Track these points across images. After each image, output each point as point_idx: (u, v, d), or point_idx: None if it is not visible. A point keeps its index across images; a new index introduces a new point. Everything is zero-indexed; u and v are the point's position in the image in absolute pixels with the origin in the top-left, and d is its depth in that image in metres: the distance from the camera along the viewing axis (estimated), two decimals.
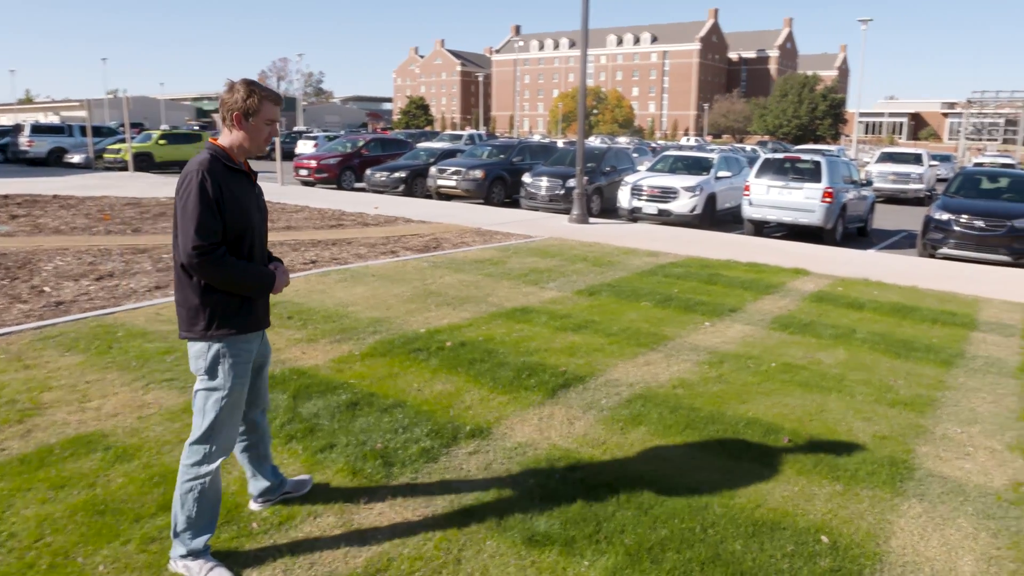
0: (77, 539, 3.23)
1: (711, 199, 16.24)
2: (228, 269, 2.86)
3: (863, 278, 10.15)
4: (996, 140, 57.01)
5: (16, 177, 22.54)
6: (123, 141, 28.13)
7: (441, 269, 9.61)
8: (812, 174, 14.72)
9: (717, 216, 16.64)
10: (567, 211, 16.24)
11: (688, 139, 69.39)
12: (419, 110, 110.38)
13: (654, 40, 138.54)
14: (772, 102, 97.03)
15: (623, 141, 55.07)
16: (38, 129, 30.41)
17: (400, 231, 13.04)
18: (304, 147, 34.97)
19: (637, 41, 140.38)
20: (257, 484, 3.50)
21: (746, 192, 15.32)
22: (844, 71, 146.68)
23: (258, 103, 2.93)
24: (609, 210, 17.80)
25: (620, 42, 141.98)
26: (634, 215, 16.46)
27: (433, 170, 20.15)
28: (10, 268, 8.85)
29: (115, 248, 10.46)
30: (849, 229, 15.43)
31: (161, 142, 28.18)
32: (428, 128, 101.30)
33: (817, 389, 5.51)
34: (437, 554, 3.24)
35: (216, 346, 2.94)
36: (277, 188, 20.46)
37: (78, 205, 15.49)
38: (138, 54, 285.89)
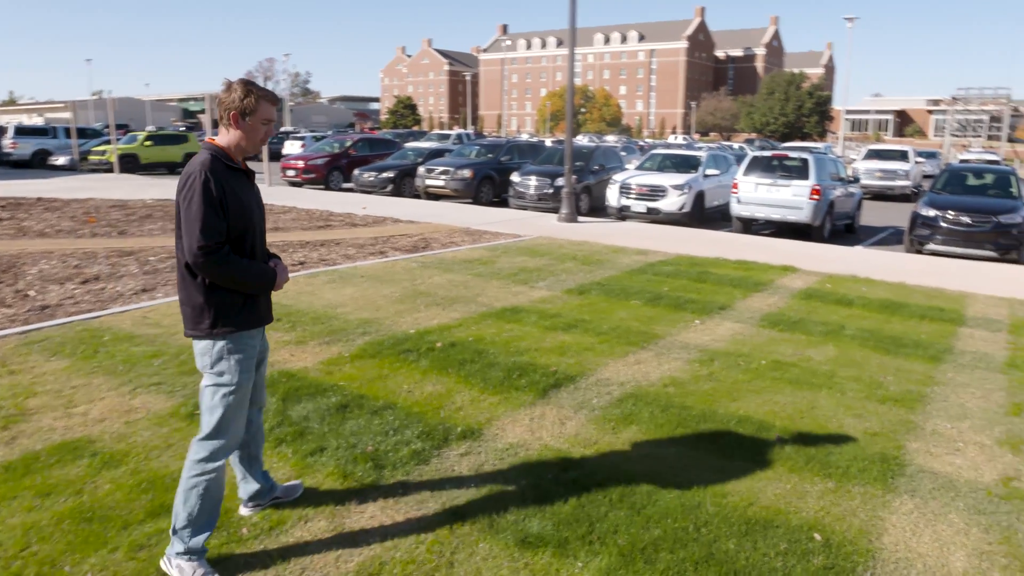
0: (64, 547, 3.18)
1: (699, 197, 16.27)
2: (232, 268, 2.90)
3: (851, 275, 10.19)
4: (981, 136, 57.48)
5: None
6: (108, 142, 27.92)
7: (430, 269, 9.58)
8: (800, 171, 14.78)
9: (706, 214, 16.68)
10: (556, 210, 16.24)
11: (676, 137, 69.58)
12: (407, 110, 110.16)
13: (641, 39, 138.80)
14: (759, 100, 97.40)
15: (611, 139, 55.13)
16: (22, 131, 30.11)
17: (389, 231, 12.99)
18: (291, 147, 34.86)
19: (624, 40, 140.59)
20: (247, 487, 3.46)
21: (734, 190, 15.36)
22: (830, 69, 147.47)
23: (255, 103, 2.97)
24: (598, 209, 17.81)
25: (607, 41, 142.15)
26: (623, 213, 16.48)
27: (421, 170, 20.09)
28: None
29: (101, 251, 10.36)
30: (837, 226, 15.50)
31: (147, 143, 27.99)
32: (416, 128, 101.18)
33: (807, 386, 5.52)
34: (430, 557, 3.21)
35: (221, 343, 2.99)
36: (264, 189, 20.34)
37: (63, 208, 15.35)
38: (123, 55, 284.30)
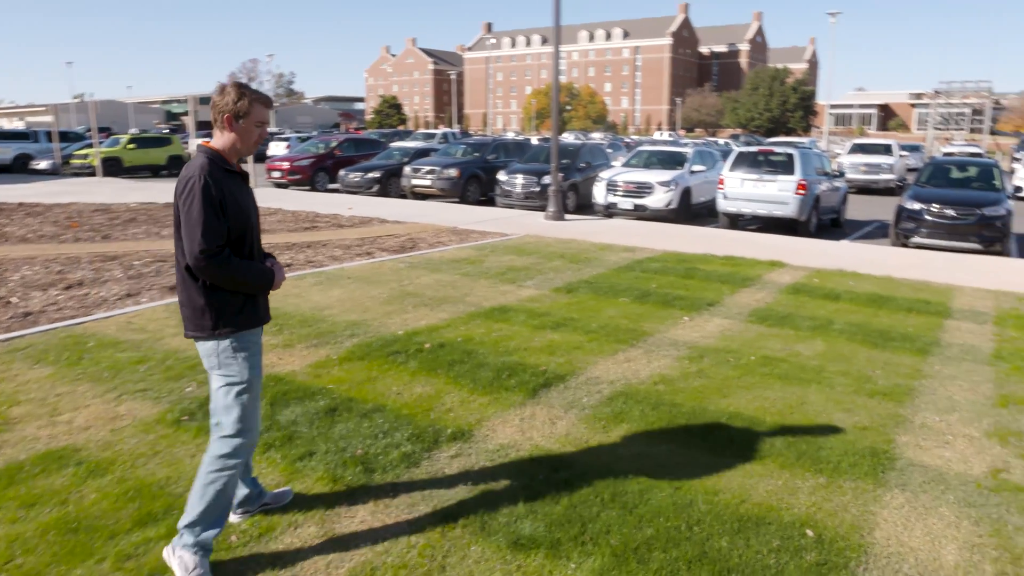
0: (49, 559, 3.14)
1: (686, 193, 16.29)
2: (234, 269, 2.94)
3: (838, 269, 10.23)
4: (963, 129, 57.92)
5: None
6: (91, 146, 27.65)
7: (418, 270, 9.54)
8: (785, 167, 14.83)
9: (692, 210, 16.70)
10: (543, 208, 16.22)
11: (661, 133, 69.77)
12: (392, 109, 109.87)
13: (626, 35, 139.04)
14: (743, 95, 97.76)
15: (597, 137, 55.20)
16: (2, 135, 29.79)
17: (375, 232, 12.93)
18: (276, 149, 34.60)
19: (609, 37, 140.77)
20: (237, 491, 3.42)
21: (721, 186, 15.40)
22: (814, 64, 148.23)
23: (248, 105, 3.01)
24: (585, 206, 17.81)
25: (592, 38, 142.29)
26: (610, 211, 16.48)
27: (407, 169, 20.02)
28: None
29: (84, 256, 10.26)
30: (823, 220, 15.57)
31: (130, 146, 27.73)
32: (401, 127, 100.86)
33: (797, 381, 5.53)
34: (421, 561, 3.19)
35: (226, 342, 3.03)
36: None
37: (45, 212, 15.19)
38: (104, 57, 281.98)
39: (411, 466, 4.04)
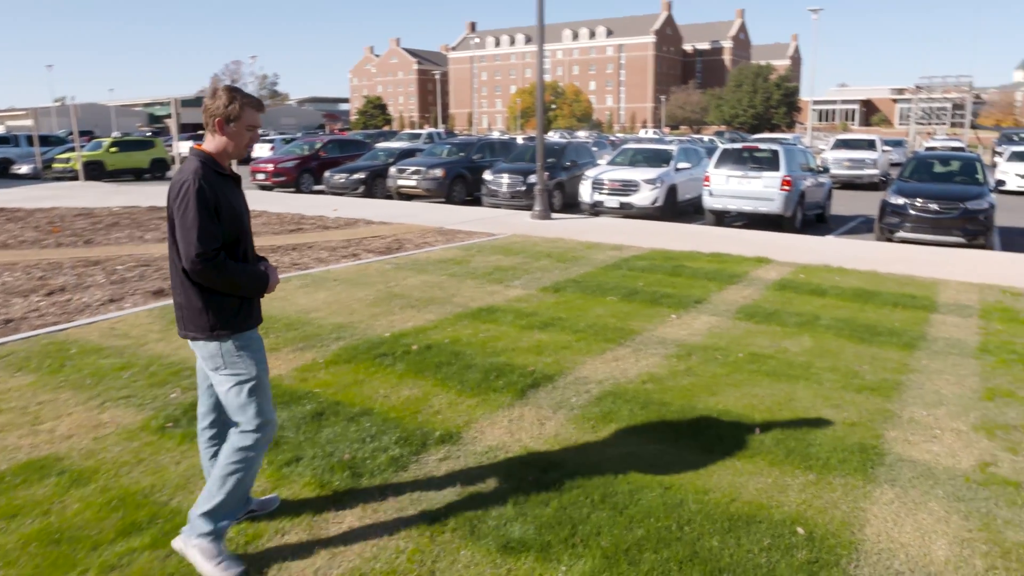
0: (31, 571, 3.08)
1: (672, 191, 16.32)
2: (230, 272, 2.96)
3: (824, 264, 10.27)
4: (945, 124, 58.31)
5: None
6: (72, 150, 27.38)
7: (404, 271, 9.49)
8: (770, 163, 14.88)
9: (678, 207, 16.73)
10: (529, 207, 16.20)
11: (646, 131, 69.96)
12: (376, 110, 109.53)
13: (609, 34, 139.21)
14: (727, 92, 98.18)
15: (582, 135, 55.27)
16: None
17: (361, 233, 12.86)
18: (260, 151, 34.41)
19: (592, 35, 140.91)
20: None
21: (706, 183, 15.43)
22: (796, 60, 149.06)
23: (239, 109, 3.02)
24: (571, 205, 17.80)
25: (576, 36, 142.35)
26: (596, 209, 16.48)
27: (393, 170, 19.94)
28: None
29: (66, 261, 10.14)
30: (808, 216, 15.63)
31: (112, 150, 27.51)
32: (386, 128, 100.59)
33: (785, 378, 5.53)
34: (411, 567, 3.15)
35: (228, 342, 3.04)
36: None
37: (26, 217, 15.02)
38: (85, 60, 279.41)
39: (399, 470, 4.01)
